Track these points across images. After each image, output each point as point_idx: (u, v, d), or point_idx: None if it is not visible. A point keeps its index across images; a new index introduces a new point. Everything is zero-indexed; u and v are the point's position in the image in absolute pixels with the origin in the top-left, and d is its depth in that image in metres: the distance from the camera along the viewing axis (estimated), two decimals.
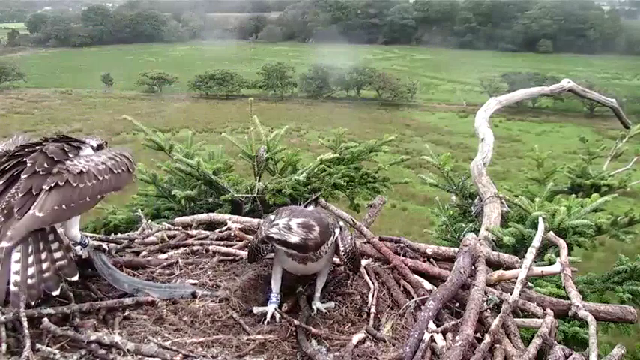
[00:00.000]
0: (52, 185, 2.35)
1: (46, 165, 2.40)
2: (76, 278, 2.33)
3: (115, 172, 2.58)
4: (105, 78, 65.92)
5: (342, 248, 2.55)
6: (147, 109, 53.12)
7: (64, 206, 2.35)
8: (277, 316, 2.51)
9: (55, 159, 2.44)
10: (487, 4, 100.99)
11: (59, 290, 2.25)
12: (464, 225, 4.67)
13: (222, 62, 73.02)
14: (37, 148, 2.49)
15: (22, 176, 2.37)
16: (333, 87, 61.74)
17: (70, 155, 2.53)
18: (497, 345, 2.29)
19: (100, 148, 2.78)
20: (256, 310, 2.54)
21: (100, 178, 2.49)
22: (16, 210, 2.29)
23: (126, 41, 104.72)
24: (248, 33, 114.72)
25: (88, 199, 2.44)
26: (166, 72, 64.73)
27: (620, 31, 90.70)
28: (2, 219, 2.30)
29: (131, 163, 2.71)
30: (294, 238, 2.38)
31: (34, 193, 2.33)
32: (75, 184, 2.40)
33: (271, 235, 2.39)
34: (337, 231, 2.58)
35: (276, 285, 2.64)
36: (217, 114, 51.46)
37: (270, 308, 2.53)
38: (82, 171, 2.45)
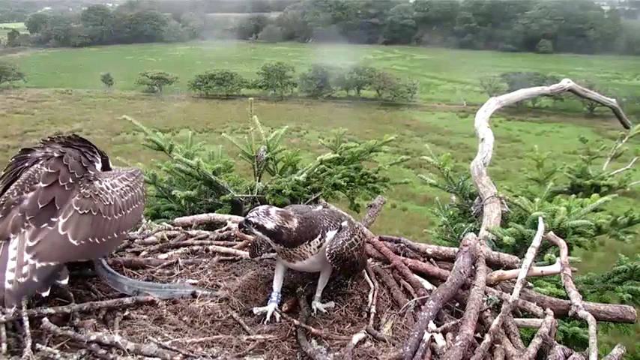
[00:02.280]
0: (85, 210, 2.32)
1: (70, 180, 2.38)
2: (65, 282, 2.26)
3: (136, 205, 2.57)
4: (105, 78, 65.95)
5: (327, 249, 2.45)
6: (147, 109, 53.14)
7: (96, 239, 2.33)
8: (277, 316, 2.50)
9: (77, 175, 2.41)
10: (487, 4, 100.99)
11: (48, 292, 2.20)
12: (464, 225, 4.67)
13: (222, 62, 73.05)
14: (54, 153, 2.45)
15: (41, 184, 2.32)
16: (333, 87, 61.76)
17: (90, 171, 2.50)
18: (497, 345, 2.29)
19: (101, 155, 2.77)
20: (256, 310, 2.53)
21: (123, 213, 2.47)
22: (28, 215, 2.25)
23: (126, 41, 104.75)
24: (248, 33, 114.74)
25: (115, 234, 2.43)
26: (166, 72, 64.77)
27: (620, 31, 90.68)
28: (0, 215, 2.28)
29: (142, 193, 2.69)
30: (269, 224, 2.35)
31: (57, 207, 2.29)
32: (105, 215, 2.37)
33: (249, 218, 2.38)
34: (331, 232, 2.50)
35: (277, 284, 2.63)
36: (217, 114, 51.48)
37: (270, 308, 2.52)
38: (110, 203, 2.42)
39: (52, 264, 2.18)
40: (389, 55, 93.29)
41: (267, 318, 2.49)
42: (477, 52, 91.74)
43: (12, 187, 2.35)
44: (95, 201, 2.37)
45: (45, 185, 2.33)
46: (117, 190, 2.51)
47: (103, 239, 2.37)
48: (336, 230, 2.53)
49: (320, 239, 2.46)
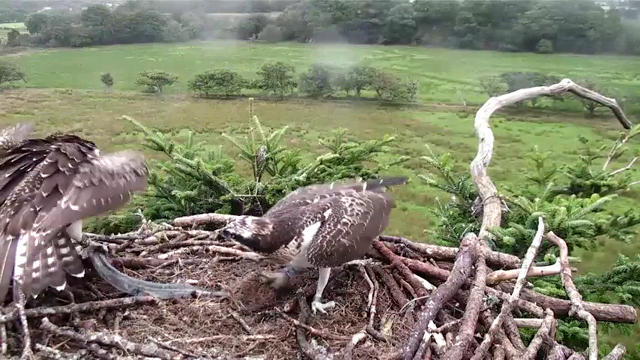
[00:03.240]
0: (86, 184, 2.39)
1: (70, 165, 2.42)
2: (81, 275, 2.33)
3: (139, 173, 2.64)
4: (105, 78, 65.91)
5: (307, 251, 2.43)
6: (147, 109, 53.11)
7: (101, 200, 2.40)
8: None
9: (76, 160, 2.46)
10: (487, 4, 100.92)
11: (64, 285, 2.23)
12: (464, 225, 4.68)
13: (222, 62, 72.99)
14: (52, 147, 2.51)
15: (43, 175, 2.38)
16: (333, 87, 61.70)
17: (89, 156, 2.56)
18: (497, 345, 2.29)
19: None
20: (267, 274, 2.67)
21: (128, 179, 2.54)
22: (38, 207, 2.29)
23: (126, 41, 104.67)
24: (248, 33, 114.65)
25: (121, 195, 2.50)
26: (166, 72, 64.70)
27: (620, 31, 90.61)
28: (12, 212, 2.28)
29: (146, 167, 2.76)
30: (246, 234, 2.40)
31: (61, 192, 2.34)
32: (107, 183, 2.44)
33: (227, 229, 2.44)
34: (310, 228, 2.46)
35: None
36: (217, 114, 51.45)
37: (280, 275, 2.65)
38: (113, 171, 2.51)
39: (53, 230, 2.25)
40: (389, 55, 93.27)
41: (277, 282, 2.63)
42: (477, 52, 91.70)
43: (22, 183, 2.37)
44: (95, 174, 2.45)
45: (46, 175, 2.37)
46: (117, 160, 2.59)
47: (106, 200, 2.44)
48: (318, 223, 2.48)
49: (297, 239, 2.44)
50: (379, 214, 2.66)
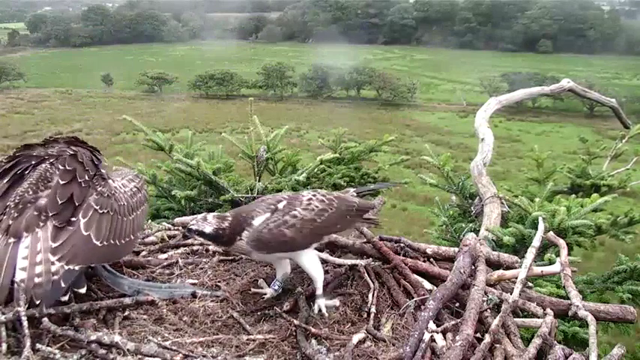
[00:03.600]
0: (105, 210, 2.34)
1: (86, 177, 2.39)
2: (84, 290, 2.29)
3: (143, 206, 2.60)
4: (105, 78, 65.92)
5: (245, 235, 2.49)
6: (147, 109, 53.13)
7: (116, 240, 2.35)
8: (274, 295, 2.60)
9: (91, 172, 2.42)
10: (487, 4, 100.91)
11: (67, 297, 2.21)
12: (464, 225, 4.68)
13: (222, 62, 73.01)
14: (68, 152, 2.46)
15: (60, 181, 2.32)
16: (333, 87, 61.72)
17: (102, 170, 2.52)
18: (497, 345, 2.29)
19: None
20: (254, 290, 2.67)
21: (135, 213, 2.51)
22: (51, 212, 2.25)
23: (126, 41, 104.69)
24: (248, 33, 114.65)
25: (131, 235, 2.46)
26: (166, 72, 64.72)
27: (620, 31, 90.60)
28: (15, 214, 2.25)
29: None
30: (207, 229, 2.47)
31: (76, 202, 2.30)
32: (120, 216, 2.40)
33: (190, 226, 2.51)
34: (259, 218, 2.50)
35: (278, 273, 2.73)
36: (217, 114, 51.46)
37: (269, 291, 2.65)
38: (124, 203, 2.46)
39: (77, 267, 2.20)
40: (389, 55, 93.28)
41: (267, 295, 2.64)
42: (477, 52, 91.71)
43: (25, 185, 2.33)
44: (111, 200, 2.41)
45: (63, 182, 2.33)
46: (127, 191, 2.54)
47: (122, 240, 2.40)
48: (269, 213, 2.52)
49: (248, 230, 2.49)
50: (342, 216, 2.67)
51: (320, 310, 2.55)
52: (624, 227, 4.15)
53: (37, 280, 2.13)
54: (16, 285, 2.11)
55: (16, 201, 2.29)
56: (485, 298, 2.51)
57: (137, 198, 2.56)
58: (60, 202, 2.27)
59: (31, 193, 2.31)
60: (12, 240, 2.20)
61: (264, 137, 4.90)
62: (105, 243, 2.30)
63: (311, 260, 2.60)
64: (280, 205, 2.55)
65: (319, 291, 2.60)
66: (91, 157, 2.53)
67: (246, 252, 2.57)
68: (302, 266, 2.63)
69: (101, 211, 2.34)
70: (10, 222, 2.24)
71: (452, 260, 2.90)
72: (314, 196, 2.63)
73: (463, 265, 2.69)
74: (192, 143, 4.92)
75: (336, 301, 2.63)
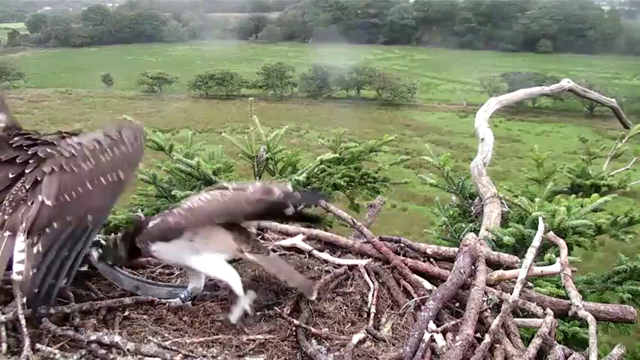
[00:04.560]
0: (52, 169, 2.31)
1: (48, 150, 2.39)
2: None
3: (122, 148, 2.48)
4: (105, 78, 65.96)
5: None
6: (147, 109, 53.17)
7: (67, 196, 2.28)
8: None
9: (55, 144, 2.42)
10: (487, 4, 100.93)
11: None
12: (464, 225, 4.67)
13: (222, 62, 73.05)
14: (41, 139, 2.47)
15: (26, 170, 2.33)
16: (333, 87, 61.77)
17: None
18: (497, 345, 2.29)
19: None
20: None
21: (94, 162, 2.37)
22: (29, 201, 2.26)
23: (126, 41, 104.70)
24: (248, 33, 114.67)
25: (88, 185, 2.33)
26: (166, 72, 64.78)
27: (620, 31, 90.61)
28: (10, 210, 2.26)
29: (138, 135, 2.61)
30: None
31: (39, 179, 2.30)
32: (68, 169, 2.33)
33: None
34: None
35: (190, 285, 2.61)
36: (217, 114, 51.51)
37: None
38: (73, 154, 2.37)
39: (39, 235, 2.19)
40: (389, 55, 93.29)
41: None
42: (477, 52, 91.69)
43: (18, 184, 2.34)
44: (56, 155, 2.35)
45: (29, 170, 2.33)
46: (85, 143, 2.43)
47: (74, 193, 2.30)
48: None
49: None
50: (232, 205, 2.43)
51: (246, 313, 2.40)
52: (624, 227, 4.14)
53: (32, 272, 2.12)
54: (13, 280, 2.11)
55: (10, 199, 2.30)
56: (485, 298, 2.50)
57: (99, 147, 2.41)
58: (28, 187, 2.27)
59: (24, 191, 2.31)
60: (7, 233, 2.20)
61: (264, 137, 4.90)
62: (59, 199, 2.24)
63: (210, 264, 2.44)
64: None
65: (239, 292, 2.40)
66: (62, 134, 2.51)
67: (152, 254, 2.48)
68: (206, 274, 2.50)
69: (48, 172, 2.29)
70: (6, 217, 2.23)
71: (452, 260, 2.90)
72: (207, 191, 2.50)
73: (463, 265, 2.69)
74: (192, 143, 4.92)
75: (252, 293, 2.45)
